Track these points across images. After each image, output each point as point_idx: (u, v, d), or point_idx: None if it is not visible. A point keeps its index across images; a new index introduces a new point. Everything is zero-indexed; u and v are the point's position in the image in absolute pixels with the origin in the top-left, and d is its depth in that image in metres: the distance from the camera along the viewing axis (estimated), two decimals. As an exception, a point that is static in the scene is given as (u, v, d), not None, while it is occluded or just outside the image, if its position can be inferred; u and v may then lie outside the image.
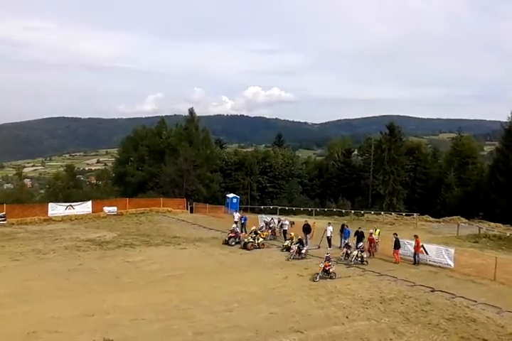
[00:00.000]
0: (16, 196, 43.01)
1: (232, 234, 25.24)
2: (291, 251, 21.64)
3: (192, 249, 23.85)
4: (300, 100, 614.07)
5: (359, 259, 20.53)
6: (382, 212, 40.32)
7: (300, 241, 22.05)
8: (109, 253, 22.52)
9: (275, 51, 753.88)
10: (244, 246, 23.71)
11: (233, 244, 24.59)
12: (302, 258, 21.42)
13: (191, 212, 40.92)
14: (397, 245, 21.40)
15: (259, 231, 25.76)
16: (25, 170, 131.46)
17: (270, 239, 26.36)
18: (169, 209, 39.21)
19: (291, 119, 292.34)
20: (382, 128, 65.10)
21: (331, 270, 18.09)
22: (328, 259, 18.33)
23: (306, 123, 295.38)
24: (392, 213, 41.36)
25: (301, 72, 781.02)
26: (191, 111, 58.86)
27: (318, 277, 17.70)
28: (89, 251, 22.99)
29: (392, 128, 61.29)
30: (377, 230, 23.97)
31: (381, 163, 59.15)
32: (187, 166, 49.77)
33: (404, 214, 40.70)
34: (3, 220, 31.06)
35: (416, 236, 21.58)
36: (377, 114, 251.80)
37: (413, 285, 17.37)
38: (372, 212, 40.22)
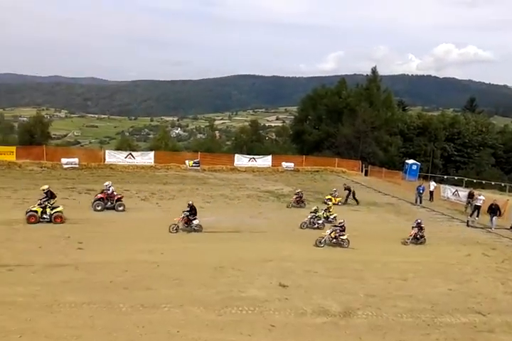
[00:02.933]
0: (208, 145, 47.95)
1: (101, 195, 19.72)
2: (176, 219, 17.18)
3: (366, 213, 23.61)
4: (501, 60, 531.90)
5: (333, 241, 16.82)
6: None
7: (191, 208, 17.38)
8: (285, 206, 23.78)
9: (473, 3, 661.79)
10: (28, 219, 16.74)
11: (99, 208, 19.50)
12: (195, 230, 17.31)
13: (366, 174, 40.28)
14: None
15: (331, 197, 24.20)
16: (215, 122, 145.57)
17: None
18: (343, 169, 39.25)
19: (487, 81, 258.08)
20: None
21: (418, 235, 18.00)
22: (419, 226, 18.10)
23: (505, 86, 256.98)
24: None
25: (505, 27, 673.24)
26: (374, 70, 56.46)
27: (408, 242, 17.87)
28: (268, 201, 24.65)
29: None
30: None
31: None
32: (365, 128, 48.55)
33: None
34: (197, 166, 35.18)
35: None
36: None
37: None
38: None
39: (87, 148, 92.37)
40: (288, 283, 12.62)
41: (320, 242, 16.66)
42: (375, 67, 56.56)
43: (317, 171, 38.22)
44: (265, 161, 37.87)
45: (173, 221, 17.15)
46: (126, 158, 33.96)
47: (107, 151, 34.82)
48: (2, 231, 15.71)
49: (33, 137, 38.03)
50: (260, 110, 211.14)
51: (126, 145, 44.79)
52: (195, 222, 17.34)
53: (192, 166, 34.95)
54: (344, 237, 16.92)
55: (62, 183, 25.61)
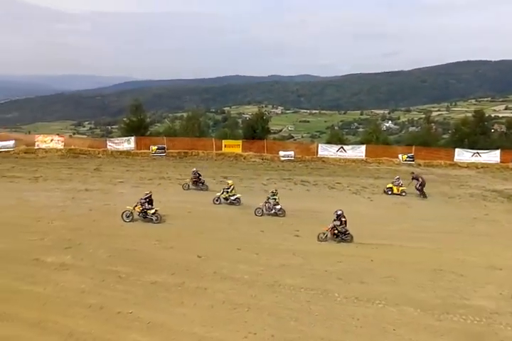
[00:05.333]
0: (423, 139, 44.85)
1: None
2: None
3: None
4: None
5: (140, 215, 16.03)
6: None
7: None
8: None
9: None
10: None
11: None
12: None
13: None
14: None
15: (392, 186, 22.41)
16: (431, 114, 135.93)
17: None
18: None
19: None
20: None
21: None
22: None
23: None
24: None
25: None
26: None
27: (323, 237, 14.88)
28: (496, 202, 21.73)
29: None
30: None
31: None
32: None
33: None
34: (411, 160, 33.43)
35: None
36: None
37: None
38: None
39: (300, 141, 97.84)
40: (527, 298, 10.88)
41: (127, 216, 16.15)
42: None
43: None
44: (492, 156, 33.52)
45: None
46: (337, 151, 34.56)
47: (319, 145, 36.02)
48: (233, 214, 17.81)
49: (255, 132, 41.78)
50: (485, 99, 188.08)
51: (336, 139, 45.45)
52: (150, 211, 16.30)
53: (405, 161, 33.41)
54: (152, 211, 16.13)
55: (280, 174, 27.64)
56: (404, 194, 22.59)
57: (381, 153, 34.73)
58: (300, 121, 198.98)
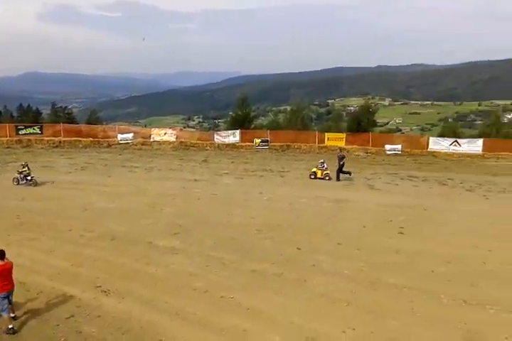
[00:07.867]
0: (552, 132, 40.05)
1: None
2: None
3: None
4: None
5: None
6: None
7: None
8: None
9: None
10: None
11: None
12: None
13: None
14: None
15: (316, 170, 22.83)
16: None
17: None
18: None
19: None
20: None
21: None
22: None
23: None
24: None
25: None
26: None
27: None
28: None
29: None
30: None
31: None
32: None
33: None
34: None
35: None
36: None
37: None
38: None
39: (409, 135, 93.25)
40: None
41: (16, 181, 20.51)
42: None
43: None
44: None
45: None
46: (451, 145, 32.34)
47: (430, 138, 33.98)
48: (331, 209, 17.63)
49: (360, 124, 40.68)
50: None
51: (450, 131, 42.47)
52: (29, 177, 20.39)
53: (529, 156, 30.17)
54: (29, 177, 20.37)
55: (385, 168, 26.67)
56: (327, 178, 22.65)
57: (501, 147, 31.83)
58: (409, 113, 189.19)
